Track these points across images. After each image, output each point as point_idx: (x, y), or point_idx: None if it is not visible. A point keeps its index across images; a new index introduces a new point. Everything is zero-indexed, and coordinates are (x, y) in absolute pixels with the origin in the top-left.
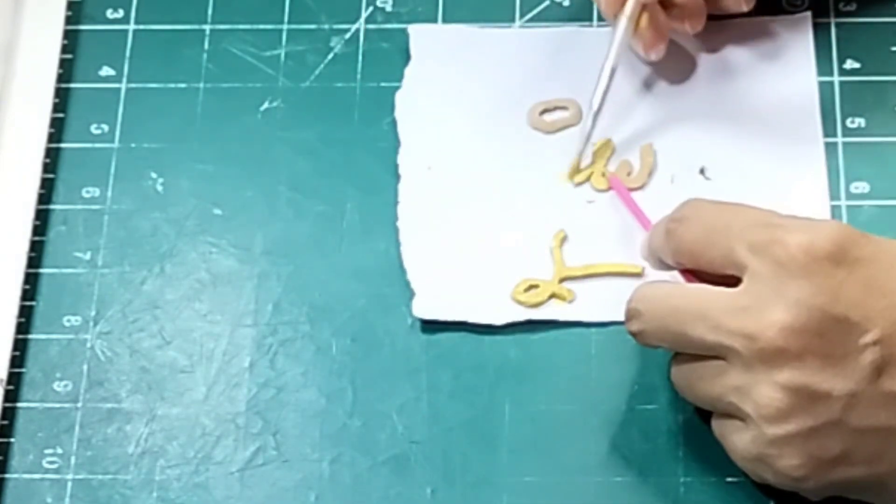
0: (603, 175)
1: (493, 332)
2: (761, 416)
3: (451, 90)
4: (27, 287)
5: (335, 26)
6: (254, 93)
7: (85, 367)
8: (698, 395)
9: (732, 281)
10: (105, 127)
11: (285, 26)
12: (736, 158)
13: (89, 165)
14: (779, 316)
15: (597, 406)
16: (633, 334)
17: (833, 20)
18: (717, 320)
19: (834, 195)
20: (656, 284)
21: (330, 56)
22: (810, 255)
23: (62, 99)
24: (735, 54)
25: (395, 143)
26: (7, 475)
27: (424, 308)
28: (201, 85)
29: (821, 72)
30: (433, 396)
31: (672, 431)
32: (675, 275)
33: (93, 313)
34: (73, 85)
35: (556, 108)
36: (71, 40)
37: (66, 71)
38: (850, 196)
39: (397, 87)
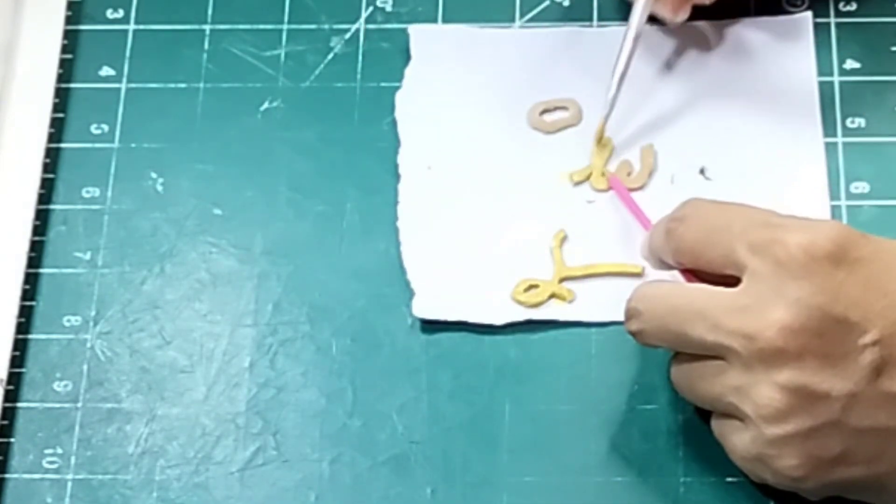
0: (603, 175)
1: (493, 332)
2: (760, 416)
3: (452, 90)
4: (27, 287)
5: (335, 26)
6: (254, 93)
7: (85, 367)
8: (698, 394)
9: (732, 281)
10: (105, 127)
11: (285, 26)
12: (736, 158)
13: (89, 165)
14: (778, 315)
15: (597, 406)
16: (633, 333)
17: (833, 20)
18: (716, 320)
19: (834, 195)
20: (656, 284)
21: (330, 56)
22: (810, 254)
23: (62, 99)
24: (735, 54)
25: (395, 144)
26: (7, 475)
27: (424, 308)
28: (201, 85)
29: (821, 72)
30: (433, 396)
31: (672, 431)
32: (676, 274)
33: (93, 313)
34: (73, 85)
35: (556, 109)
36: (71, 40)
37: (66, 71)
38: (850, 196)
39: (397, 87)
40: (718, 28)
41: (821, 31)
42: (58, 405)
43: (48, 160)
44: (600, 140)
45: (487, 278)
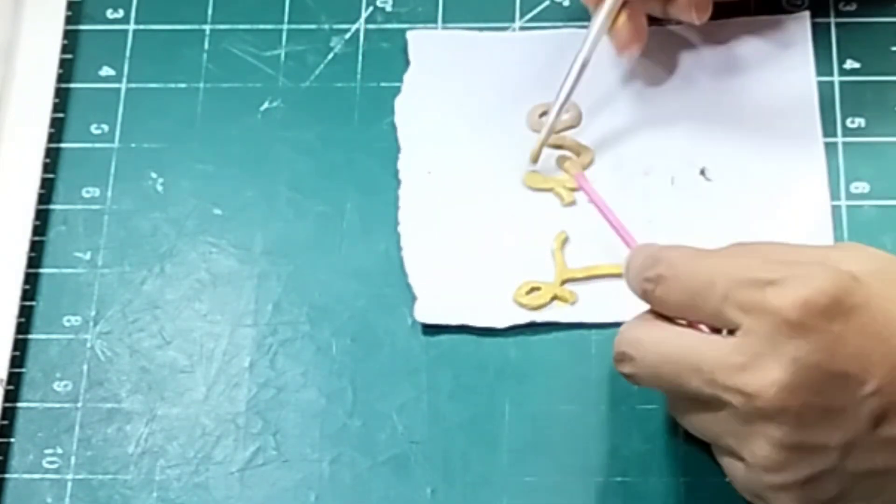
0: (569, 189)
1: (492, 333)
2: (759, 465)
3: (451, 94)
4: (27, 287)
5: (335, 26)
6: (254, 93)
7: (85, 367)
8: (695, 428)
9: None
10: (105, 127)
11: (285, 26)
12: (736, 158)
13: (89, 165)
14: (776, 376)
15: (597, 406)
16: (626, 376)
17: (833, 20)
18: (712, 374)
19: (834, 195)
20: (647, 326)
21: (330, 56)
22: (805, 311)
23: (62, 99)
24: (734, 54)
25: (395, 144)
26: (7, 475)
27: (426, 312)
28: (201, 85)
29: (821, 72)
30: (433, 396)
31: (672, 431)
32: None
33: (93, 313)
34: (73, 85)
35: None
36: (71, 40)
37: (66, 71)
38: (850, 196)
39: (397, 87)
40: (716, 28)
41: (820, 30)
42: (58, 405)
43: (48, 160)
44: (535, 160)
45: (489, 281)
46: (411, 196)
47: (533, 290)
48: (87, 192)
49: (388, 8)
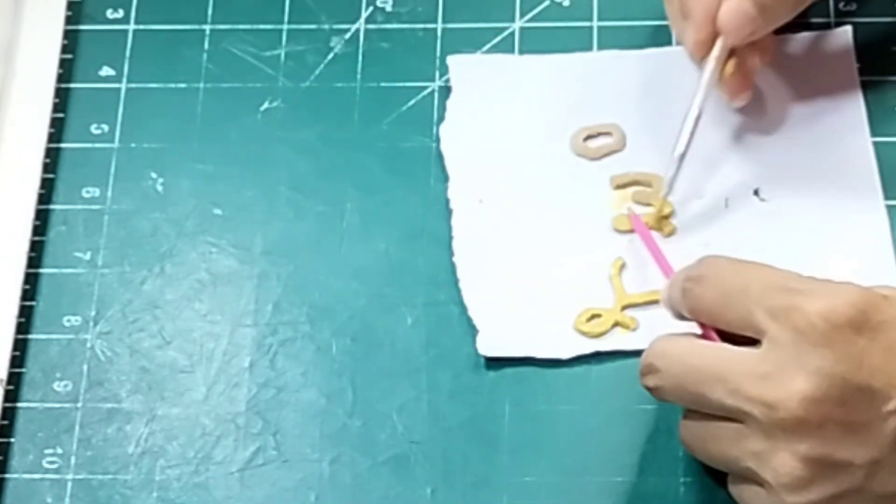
0: (665, 217)
1: (554, 363)
2: (781, 485)
3: (494, 120)
4: (27, 287)
5: (335, 26)
6: (254, 93)
7: (85, 367)
8: (712, 455)
9: (751, 339)
10: (105, 127)
11: (285, 26)
12: (789, 177)
13: (89, 165)
14: (800, 386)
15: (597, 406)
16: (650, 389)
17: (833, 20)
18: (736, 384)
19: None
20: (674, 340)
21: (330, 56)
22: (831, 322)
23: (62, 99)
24: (780, 73)
25: (396, 143)
26: (7, 475)
27: (489, 345)
28: (201, 85)
29: None
30: (433, 396)
31: (672, 431)
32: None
33: (93, 313)
34: (73, 85)
35: (599, 134)
36: (71, 40)
37: (66, 71)
38: None
39: (397, 87)
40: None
41: (820, 30)
42: (58, 405)
43: (48, 160)
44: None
45: (548, 310)
46: (465, 226)
47: (594, 317)
48: (87, 192)
49: (388, 8)
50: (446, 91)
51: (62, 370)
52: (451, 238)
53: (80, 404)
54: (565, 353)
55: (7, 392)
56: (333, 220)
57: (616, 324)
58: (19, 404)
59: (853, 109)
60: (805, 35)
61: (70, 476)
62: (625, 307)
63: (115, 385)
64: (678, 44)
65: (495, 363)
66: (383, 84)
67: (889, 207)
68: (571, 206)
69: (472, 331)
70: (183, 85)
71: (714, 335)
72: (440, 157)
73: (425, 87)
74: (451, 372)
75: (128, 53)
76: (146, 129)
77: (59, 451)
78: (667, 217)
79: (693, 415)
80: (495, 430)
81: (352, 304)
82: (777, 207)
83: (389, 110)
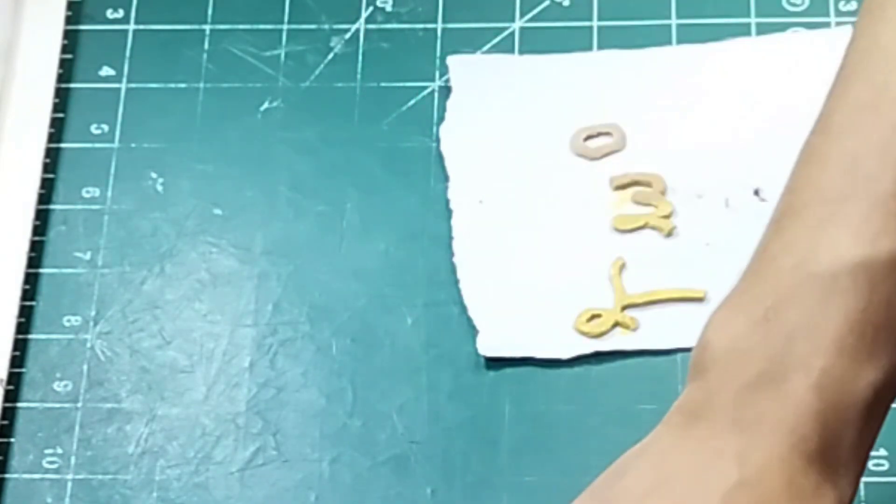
0: (664, 217)
1: (554, 363)
2: None
3: (494, 120)
4: (27, 287)
5: (335, 26)
6: (254, 93)
7: (85, 367)
8: None
9: None
10: (105, 127)
11: (285, 26)
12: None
13: (89, 165)
14: None
15: (597, 406)
16: None
17: (833, 20)
18: None
19: None
20: None
21: (330, 56)
22: None
23: (62, 99)
24: (781, 70)
25: (396, 143)
26: (7, 475)
27: (489, 345)
28: (201, 85)
29: None
30: (433, 396)
31: None
32: None
33: (93, 313)
34: (73, 85)
35: (599, 134)
36: (71, 40)
37: (66, 71)
38: None
39: (397, 87)
40: (763, 45)
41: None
42: (58, 405)
43: (48, 160)
44: None
45: (548, 310)
46: (465, 226)
47: (594, 317)
48: (87, 192)
49: (388, 8)
50: (446, 91)
51: (62, 370)
52: (451, 238)
53: (80, 404)
54: (565, 353)
55: (7, 392)
56: (333, 220)
57: (616, 324)
58: (19, 404)
59: None
60: (805, 35)
61: (70, 476)
62: (625, 307)
63: (115, 385)
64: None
65: (495, 363)
66: (383, 84)
67: None
68: (571, 207)
69: (472, 331)
70: (183, 85)
71: None
72: (440, 157)
73: (425, 87)
74: (451, 372)
75: (128, 53)
76: (146, 129)
77: (59, 451)
78: (667, 217)
79: None
80: (495, 430)
81: (352, 304)
82: None
83: (389, 110)
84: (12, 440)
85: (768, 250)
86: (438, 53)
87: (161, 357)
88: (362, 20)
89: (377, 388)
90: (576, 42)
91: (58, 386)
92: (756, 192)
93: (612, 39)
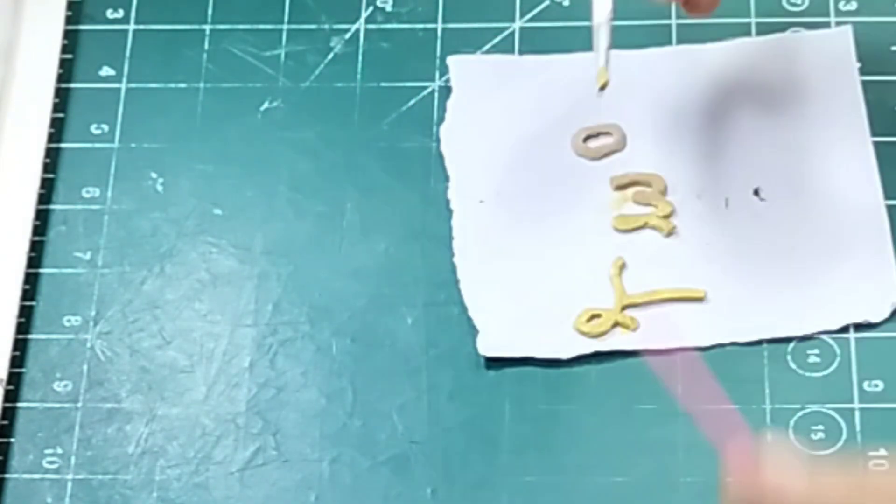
0: (664, 217)
1: (555, 363)
2: None
3: (495, 120)
4: (27, 287)
5: (335, 26)
6: (254, 93)
7: (85, 367)
8: None
9: None
10: (105, 127)
11: (285, 26)
12: (789, 177)
13: (89, 165)
14: None
15: (597, 406)
16: None
17: (833, 20)
18: None
19: None
20: None
21: (330, 56)
22: None
23: (62, 99)
24: (779, 71)
25: (396, 143)
26: (7, 475)
27: (489, 345)
28: (201, 85)
29: None
30: (433, 396)
31: (672, 431)
32: None
33: (93, 313)
34: (73, 85)
35: (599, 134)
36: (71, 40)
37: (66, 71)
38: None
39: (397, 87)
40: (761, 46)
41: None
42: (58, 405)
43: (48, 160)
44: (601, 81)
45: (548, 310)
46: (465, 226)
47: (594, 317)
48: (87, 192)
49: (388, 8)
50: (446, 91)
51: (62, 370)
52: (451, 238)
53: (80, 404)
54: (565, 353)
55: (7, 392)
56: (333, 220)
57: (616, 324)
58: (19, 404)
59: (853, 109)
60: (805, 35)
61: (70, 476)
62: (625, 307)
63: (115, 385)
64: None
65: (495, 363)
66: (383, 84)
67: (889, 207)
68: (572, 207)
69: (472, 331)
70: (183, 85)
71: None
72: (440, 157)
73: (425, 87)
74: (451, 372)
75: (128, 53)
76: (146, 129)
77: (59, 451)
78: (667, 217)
79: None
80: (495, 430)
81: (352, 304)
82: (777, 207)
83: (389, 110)
84: (12, 440)
85: None
86: (438, 53)
87: (161, 357)
88: (362, 20)
89: (377, 388)
90: (576, 42)
91: (58, 386)
92: (756, 192)
93: (613, 39)
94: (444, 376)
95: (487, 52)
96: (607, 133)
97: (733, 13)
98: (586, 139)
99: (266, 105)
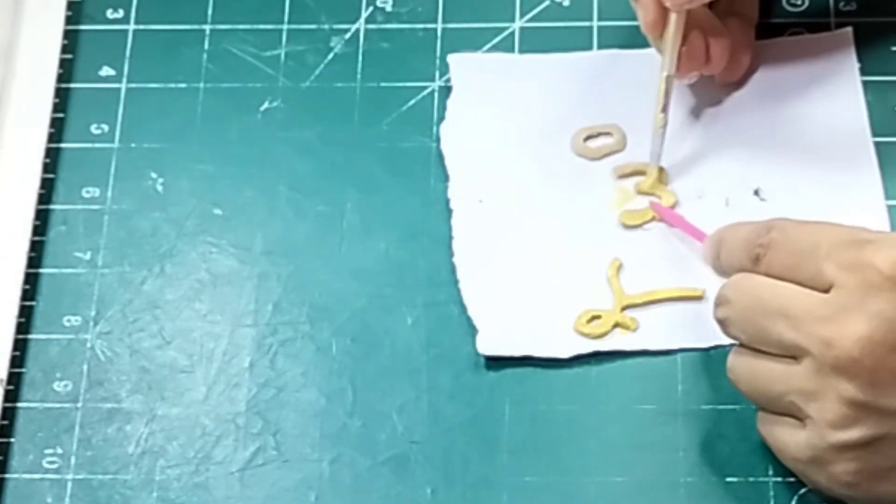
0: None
1: (555, 363)
2: (825, 421)
3: (495, 119)
4: (27, 287)
5: (335, 26)
6: (254, 93)
7: (85, 367)
8: (757, 387)
9: None
10: (105, 127)
11: (285, 26)
12: (790, 177)
13: (89, 165)
14: (859, 327)
15: (597, 406)
16: (719, 321)
17: (833, 20)
18: (798, 321)
19: None
20: (750, 276)
21: (330, 56)
22: None
23: (62, 99)
24: (781, 73)
25: (396, 143)
26: (7, 475)
27: (488, 345)
28: (201, 85)
29: None
30: (433, 396)
31: (672, 431)
32: None
33: (93, 313)
34: (73, 85)
35: (599, 135)
36: (71, 40)
37: (66, 71)
38: None
39: (397, 87)
40: (762, 48)
41: (820, 30)
42: (58, 405)
43: (48, 160)
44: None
45: (548, 310)
46: (465, 226)
47: (594, 318)
48: (87, 192)
49: (388, 8)
50: (446, 91)
51: (62, 370)
52: (451, 238)
53: (80, 404)
54: (565, 353)
55: (7, 392)
56: (333, 220)
57: (616, 325)
58: (19, 404)
59: (853, 109)
60: (805, 36)
61: (70, 476)
62: (624, 308)
63: (115, 385)
64: None
65: (495, 363)
66: (383, 84)
67: (889, 207)
68: (572, 207)
69: (472, 331)
70: (183, 85)
71: None
72: (440, 157)
73: (425, 87)
74: (451, 372)
75: (128, 53)
76: (146, 129)
77: (59, 451)
78: (672, 207)
79: (746, 350)
80: (495, 430)
81: (352, 304)
82: (777, 207)
83: (389, 110)
84: (12, 440)
85: None
86: (438, 53)
87: (161, 357)
88: (362, 20)
89: (377, 388)
90: (576, 42)
91: (58, 386)
92: (756, 192)
93: (612, 39)
94: (444, 376)
95: (487, 52)
96: (607, 133)
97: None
98: (586, 139)
99: (266, 105)
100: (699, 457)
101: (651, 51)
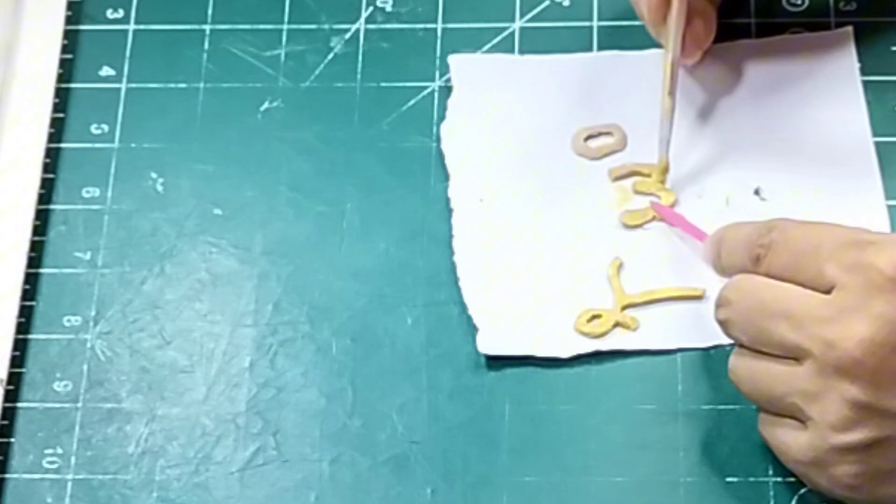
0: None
1: (555, 362)
2: (827, 423)
3: (495, 119)
4: (27, 287)
5: (335, 26)
6: (254, 93)
7: (85, 367)
8: (759, 389)
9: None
10: (105, 127)
11: (285, 26)
12: (790, 177)
13: (89, 165)
14: (860, 329)
15: (597, 406)
16: (720, 323)
17: (833, 20)
18: (800, 322)
19: None
20: (750, 277)
21: (330, 56)
22: None
23: (62, 99)
24: (780, 72)
25: (396, 143)
26: (7, 475)
27: (489, 344)
28: (201, 85)
29: None
30: (433, 396)
31: (672, 431)
32: None
33: (93, 313)
34: (73, 85)
35: (600, 134)
36: (71, 40)
37: (66, 71)
38: None
39: (397, 87)
40: (762, 47)
41: (820, 30)
42: (58, 405)
43: (48, 160)
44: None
45: (548, 309)
46: (465, 225)
47: (594, 317)
48: (87, 192)
49: (388, 8)
50: (446, 91)
51: (62, 370)
52: (451, 238)
53: (80, 404)
54: (565, 352)
55: (7, 392)
56: (333, 220)
57: (617, 324)
58: (19, 404)
59: (853, 109)
60: (805, 35)
61: (70, 476)
62: (625, 307)
63: (115, 385)
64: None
65: (495, 363)
66: (383, 84)
67: (890, 207)
68: (572, 206)
69: (472, 330)
70: (183, 85)
71: None
72: (440, 156)
73: (425, 87)
74: (451, 372)
75: (128, 53)
76: (146, 129)
77: (59, 451)
78: (671, 206)
79: (748, 352)
80: (495, 430)
81: (352, 304)
82: (777, 207)
83: (389, 110)
84: (12, 440)
85: None
86: (438, 53)
87: (161, 357)
88: (362, 20)
89: (377, 388)
90: (576, 42)
91: (58, 386)
92: (756, 192)
93: (612, 39)
94: (444, 376)
95: (487, 52)
96: (607, 133)
97: (733, 13)
98: (587, 139)
99: (266, 105)
100: (699, 457)
101: (651, 52)
